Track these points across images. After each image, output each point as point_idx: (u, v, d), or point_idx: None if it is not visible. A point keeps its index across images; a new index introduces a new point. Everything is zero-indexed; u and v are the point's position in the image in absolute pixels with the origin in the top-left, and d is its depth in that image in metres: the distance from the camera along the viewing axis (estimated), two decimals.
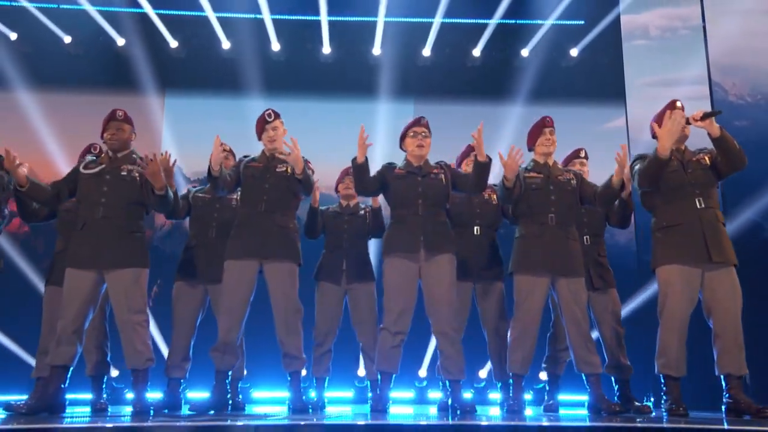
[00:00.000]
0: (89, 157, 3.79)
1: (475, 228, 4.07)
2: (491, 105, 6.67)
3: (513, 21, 6.78)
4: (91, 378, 4.01)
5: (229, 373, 3.60)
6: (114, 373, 5.22)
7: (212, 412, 3.44)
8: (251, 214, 3.62)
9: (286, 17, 6.66)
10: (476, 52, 6.78)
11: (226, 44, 6.65)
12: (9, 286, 5.45)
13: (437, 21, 6.48)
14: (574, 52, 6.79)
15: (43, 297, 4.02)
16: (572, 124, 6.64)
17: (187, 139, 6.57)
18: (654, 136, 3.60)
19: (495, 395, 5.09)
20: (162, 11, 6.52)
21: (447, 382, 3.59)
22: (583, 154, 4.37)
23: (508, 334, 3.68)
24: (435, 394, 5.32)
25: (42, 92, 6.45)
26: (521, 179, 3.68)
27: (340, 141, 6.23)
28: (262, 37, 6.65)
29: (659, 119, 3.56)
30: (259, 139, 3.87)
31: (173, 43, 6.62)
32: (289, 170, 3.68)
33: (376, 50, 6.73)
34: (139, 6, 6.41)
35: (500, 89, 6.71)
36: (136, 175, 3.60)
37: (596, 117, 6.77)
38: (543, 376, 4.45)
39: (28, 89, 6.43)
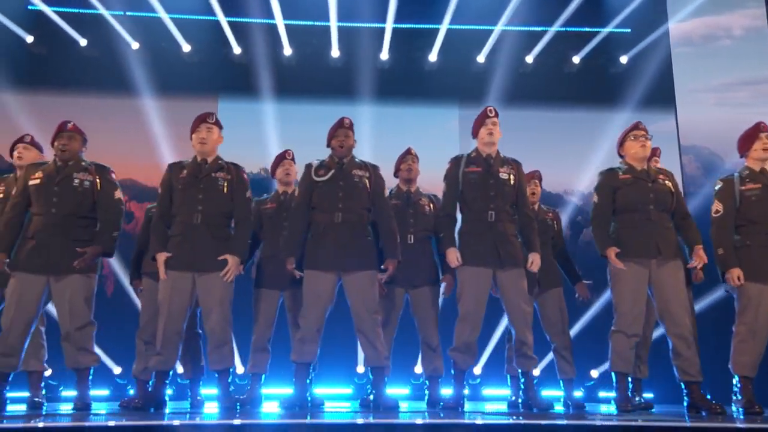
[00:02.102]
0: (315, 162, 3.88)
1: None
2: (541, 110, 6.89)
3: (564, 29, 6.98)
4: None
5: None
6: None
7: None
8: (481, 222, 3.71)
9: (348, 24, 6.86)
10: (529, 59, 6.99)
11: (288, 50, 6.85)
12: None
13: (498, 29, 6.71)
14: (623, 59, 7.00)
15: (253, 298, 4.22)
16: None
17: (240, 143, 6.77)
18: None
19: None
20: (232, 18, 6.72)
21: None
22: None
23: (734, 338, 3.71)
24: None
25: (108, 96, 6.64)
26: (736, 193, 3.76)
27: (393, 144, 6.44)
28: (324, 44, 6.87)
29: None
30: (474, 136, 3.90)
31: (237, 49, 6.82)
32: (511, 178, 3.77)
33: (433, 56, 6.95)
34: (207, 13, 6.62)
35: (551, 95, 6.93)
36: (366, 181, 3.76)
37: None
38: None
39: (93, 94, 6.63)
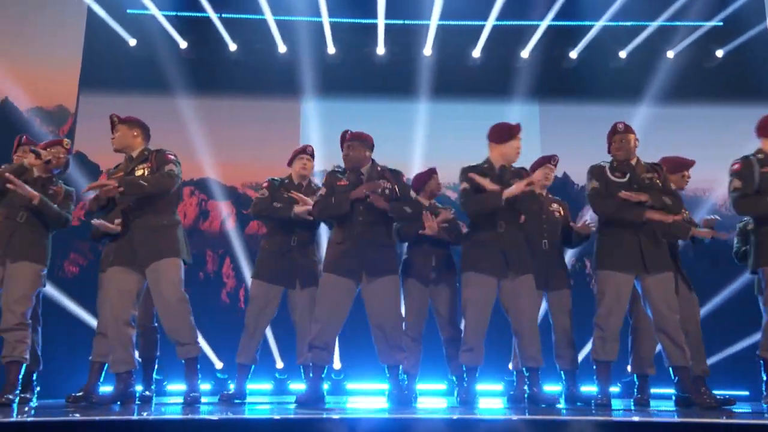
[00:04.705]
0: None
1: None
2: (632, 106, 6.82)
3: (656, 23, 6.92)
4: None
5: None
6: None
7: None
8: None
9: (444, 23, 6.87)
10: (622, 54, 6.96)
11: (381, 50, 6.91)
12: None
13: (599, 24, 6.71)
14: (719, 53, 6.94)
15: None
16: (718, 124, 6.82)
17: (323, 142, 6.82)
18: None
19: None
20: (335, 19, 6.80)
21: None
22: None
23: None
24: None
25: (202, 98, 6.76)
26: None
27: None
28: (419, 43, 6.90)
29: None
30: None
31: (331, 49, 6.89)
32: None
33: (525, 53, 6.96)
34: (310, 14, 6.73)
35: (643, 90, 6.86)
36: None
37: (744, 117, 6.83)
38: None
39: (188, 95, 6.72)
